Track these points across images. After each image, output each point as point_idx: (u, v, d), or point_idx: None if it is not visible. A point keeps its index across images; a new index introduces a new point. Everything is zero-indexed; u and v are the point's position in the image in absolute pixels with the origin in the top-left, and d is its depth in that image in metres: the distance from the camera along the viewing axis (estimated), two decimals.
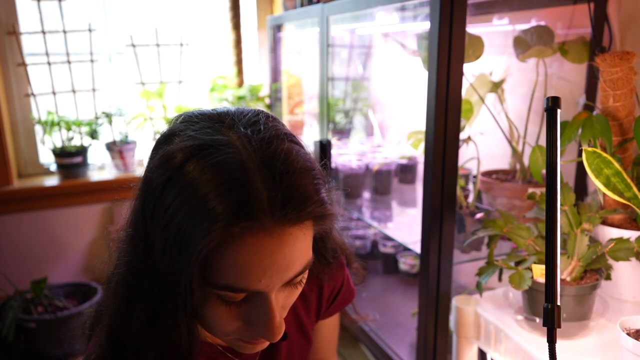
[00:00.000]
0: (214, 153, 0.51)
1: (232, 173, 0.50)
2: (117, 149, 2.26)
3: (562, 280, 0.98)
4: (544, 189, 1.20)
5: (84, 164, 2.23)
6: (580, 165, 1.39)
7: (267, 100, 2.51)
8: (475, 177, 1.41)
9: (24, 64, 2.12)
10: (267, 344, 0.62)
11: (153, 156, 0.57)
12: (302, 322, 0.81)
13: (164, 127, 0.60)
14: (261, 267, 0.51)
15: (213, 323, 0.57)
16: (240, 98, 2.42)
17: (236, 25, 2.49)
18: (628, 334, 0.83)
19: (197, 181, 0.50)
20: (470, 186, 1.53)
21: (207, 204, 0.49)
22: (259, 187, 0.49)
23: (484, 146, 1.43)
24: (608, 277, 0.99)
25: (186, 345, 0.58)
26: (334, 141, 2.02)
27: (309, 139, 2.47)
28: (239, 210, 0.48)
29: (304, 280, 0.60)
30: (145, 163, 0.60)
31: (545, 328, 0.61)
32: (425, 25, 1.13)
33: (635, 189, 0.94)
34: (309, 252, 0.56)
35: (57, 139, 2.19)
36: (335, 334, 0.96)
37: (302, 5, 2.02)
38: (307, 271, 0.58)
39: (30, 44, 2.20)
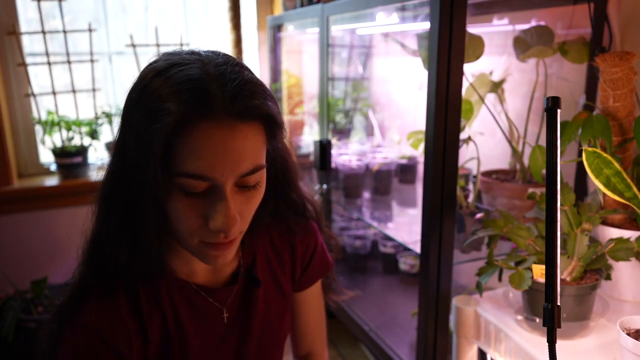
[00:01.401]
0: (179, 66, 0.61)
1: (192, 77, 0.59)
2: None
3: (562, 280, 0.98)
4: (544, 189, 1.20)
5: (84, 164, 2.23)
6: (580, 165, 1.39)
7: None
8: (475, 177, 1.41)
9: (24, 64, 2.12)
10: (229, 253, 0.67)
11: (133, 82, 0.66)
12: (277, 276, 0.85)
13: None
14: (216, 154, 0.59)
15: (177, 219, 0.63)
16: None
17: (236, 25, 2.49)
18: (628, 334, 0.83)
19: (164, 86, 0.60)
20: (470, 186, 1.53)
21: (169, 99, 0.58)
22: (214, 88, 0.59)
23: (484, 146, 1.43)
24: (608, 277, 0.99)
25: (155, 246, 0.66)
26: (334, 141, 2.02)
27: (309, 139, 2.48)
28: (195, 101, 0.58)
29: (259, 189, 0.66)
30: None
31: (545, 328, 0.61)
32: (425, 25, 1.13)
33: (635, 189, 0.94)
34: (260, 155, 0.64)
35: (57, 139, 2.19)
36: (322, 319, 0.97)
37: (302, 5, 2.02)
38: (262, 179, 0.66)
39: (30, 44, 2.20)
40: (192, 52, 0.65)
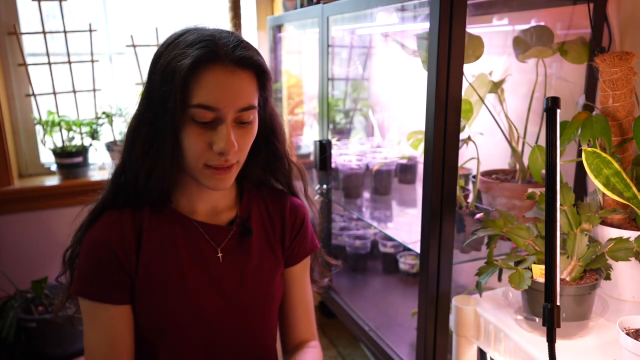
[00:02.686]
0: (194, 30, 0.81)
1: (204, 35, 0.79)
2: (118, 149, 2.26)
3: (561, 280, 0.98)
4: (543, 189, 1.20)
5: (84, 164, 2.23)
6: (580, 165, 1.39)
7: None
8: (475, 177, 1.41)
9: (24, 64, 2.12)
10: (228, 178, 0.83)
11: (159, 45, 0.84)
12: (269, 236, 0.96)
13: None
14: (221, 90, 0.77)
15: (188, 145, 0.79)
16: None
17: (236, 25, 2.48)
18: (627, 334, 0.83)
19: (182, 41, 0.79)
20: (470, 186, 1.53)
21: (188, 47, 0.78)
22: (220, 42, 0.79)
23: (484, 146, 1.43)
24: (607, 277, 0.99)
25: (169, 170, 0.81)
26: (334, 141, 2.02)
27: (309, 139, 2.48)
28: (207, 49, 0.77)
29: (253, 126, 0.83)
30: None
31: (545, 328, 0.61)
32: (425, 26, 1.14)
33: (634, 189, 0.95)
34: (253, 98, 0.81)
35: (57, 139, 2.19)
36: (310, 309, 1.01)
37: (302, 5, 2.02)
38: (255, 119, 0.83)
39: (30, 44, 2.20)
40: (204, 26, 0.84)
